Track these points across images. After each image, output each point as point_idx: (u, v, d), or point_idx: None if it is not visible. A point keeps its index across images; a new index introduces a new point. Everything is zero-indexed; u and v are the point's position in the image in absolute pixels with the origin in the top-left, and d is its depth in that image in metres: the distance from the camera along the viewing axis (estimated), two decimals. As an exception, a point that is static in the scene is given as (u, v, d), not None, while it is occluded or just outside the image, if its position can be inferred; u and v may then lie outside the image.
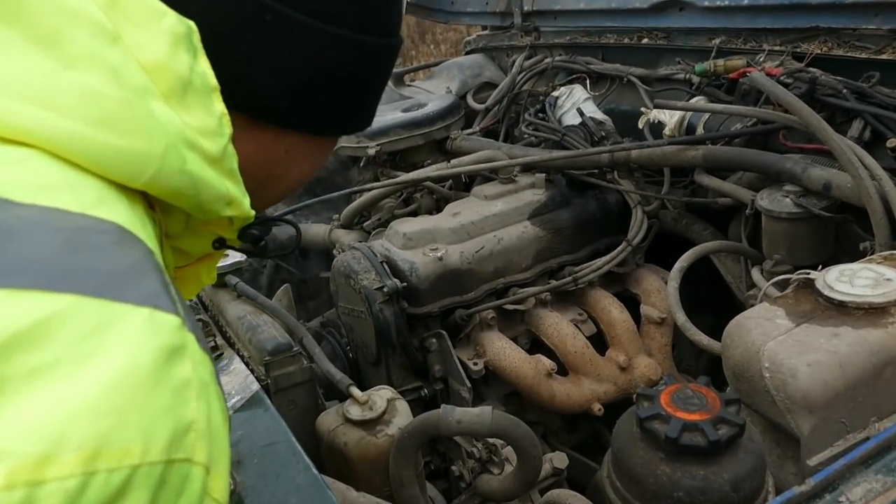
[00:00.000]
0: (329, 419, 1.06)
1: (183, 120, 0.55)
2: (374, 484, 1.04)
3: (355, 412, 1.05)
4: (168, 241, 0.66)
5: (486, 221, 1.54)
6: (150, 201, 0.56)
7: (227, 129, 0.59)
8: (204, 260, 0.76)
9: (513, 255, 1.53)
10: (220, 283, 1.45)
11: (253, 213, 0.64)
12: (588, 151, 1.57)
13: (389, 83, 2.46)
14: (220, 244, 0.72)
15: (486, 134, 2.22)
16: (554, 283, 1.51)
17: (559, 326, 1.49)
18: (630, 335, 1.52)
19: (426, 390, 1.48)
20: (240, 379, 1.16)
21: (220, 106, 0.60)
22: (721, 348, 0.86)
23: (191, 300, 1.40)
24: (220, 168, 0.58)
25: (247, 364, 1.22)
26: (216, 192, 0.58)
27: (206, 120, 0.58)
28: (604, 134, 1.75)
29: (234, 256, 1.46)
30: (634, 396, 0.76)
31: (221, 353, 1.26)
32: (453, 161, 1.65)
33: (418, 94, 2.37)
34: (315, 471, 0.92)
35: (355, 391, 1.07)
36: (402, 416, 1.06)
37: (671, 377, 0.75)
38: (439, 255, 1.45)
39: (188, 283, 0.77)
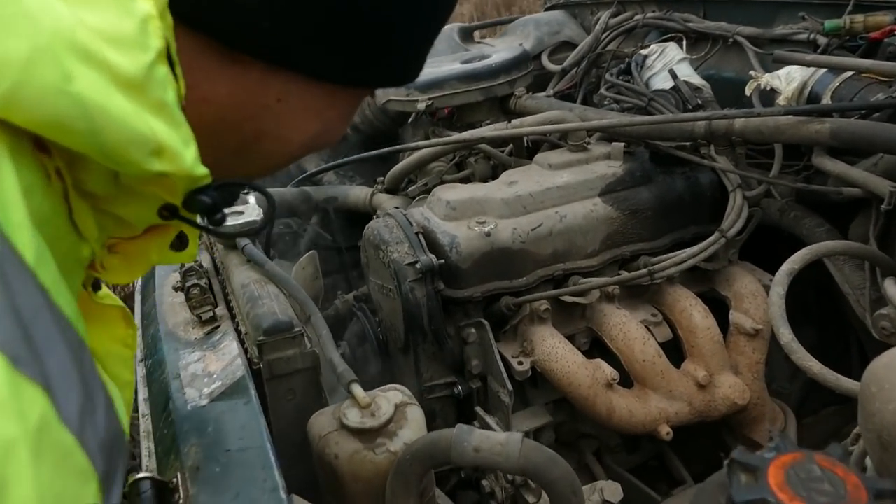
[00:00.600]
0: (322, 421, 0.85)
1: (78, 16, 0.38)
2: (370, 509, 0.82)
3: (353, 417, 0.83)
4: (93, 201, 0.47)
5: (547, 194, 1.28)
6: (40, 141, 0.40)
7: (157, 40, 0.40)
8: (154, 233, 0.56)
9: (577, 236, 1.27)
10: (232, 245, 1.25)
11: (203, 171, 0.44)
12: (680, 117, 1.28)
13: (455, 38, 2.22)
14: (171, 213, 0.51)
15: (561, 99, 1.95)
16: (625, 274, 1.25)
17: (627, 328, 1.23)
18: (714, 346, 1.24)
19: (460, 388, 1.25)
20: (226, 360, 0.96)
21: (144, 5, 0.39)
22: (861, 397, 0.59)
23: (198, 262, 1.21)
24: (139, 97, 0.40)
25: (242, 342, 1.02)
26: (131, 134, 0.40)
27: (120, 22, 0.39)
28: (700, 102, 1.46)
29: (248, 214, 1.26)
30: (726, 464, 0.50)
31: (218, 326, 1.07)
32: (514, 122, 1.39)
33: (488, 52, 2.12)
34: (283, 494, 0.70)
35: (357, 390, 0.85)
36: (413, 427, 0.83)
37: (785, 439, 0.48)
38: (487, 229, 1.21)
39: (134, 262, 0.57)
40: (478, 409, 1.20)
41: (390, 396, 0.86)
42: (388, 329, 1.32)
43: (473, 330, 1.22)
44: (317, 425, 0.85)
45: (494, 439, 0.72)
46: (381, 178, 1.62)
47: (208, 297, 1.10)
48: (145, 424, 0.94)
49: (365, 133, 1.76)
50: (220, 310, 1.12)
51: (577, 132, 1.35)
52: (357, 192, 1.63)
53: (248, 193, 1.51)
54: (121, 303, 0.62)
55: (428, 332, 1.20)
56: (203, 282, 1.13)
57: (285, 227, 1.94)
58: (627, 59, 1.74)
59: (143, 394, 1.03)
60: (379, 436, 0.82)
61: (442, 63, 1.65)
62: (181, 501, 0.72)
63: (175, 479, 0.75)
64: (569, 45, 2.17)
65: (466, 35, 2.24)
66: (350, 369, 0.90)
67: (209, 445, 0.80)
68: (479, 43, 2.27)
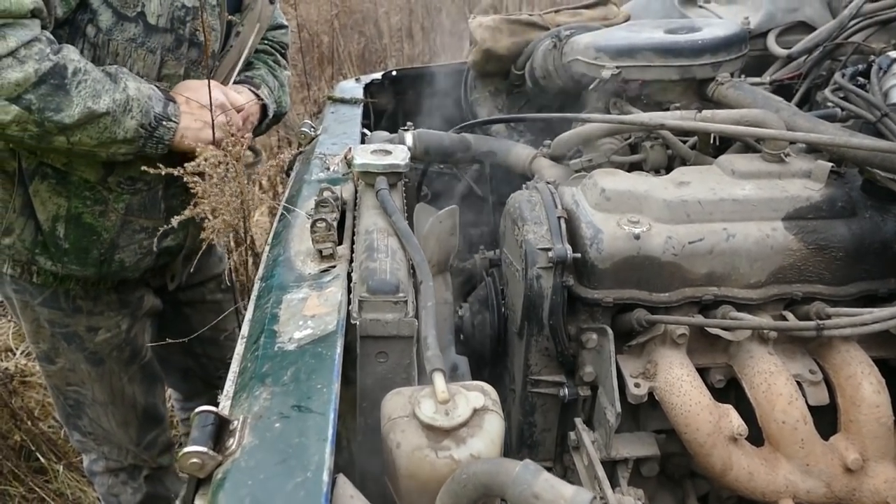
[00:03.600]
0: (395, 403, 0.80)
1: None
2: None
3: (427, 410, 0.77)
4: None
5: (719, 205, 1.11)
6: None
7: None
8: None
9: (741, 261, 1.09)
10: (371, 183, 1.22)
11: None
12: (914, 150, 1.04)
13: (674, 1, 1.98)
14: None
15: (778, 90, 1.68)
16: (790, 320, 1.06)
17: (774, 379, 1.05)
18: (879, 428, 1.04)
19: (567, 390, 1.15)
20: (324, 308, 0.94)
21: None
22: None
23: (336, 193, 1.19)
24: None
25: (349, 291, 0.99)
26: None
27: None
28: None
29: (396, 156, 1.22)
30: None
31: (333, 266, 1.06)
32: (705, 113, 1.21)
33: (707, 19, 1.87)
34: (325, 476, 0.67)
35: (439, 381, 0.79)
36: (485, 439, 0.75)
37: None
38: (637, 231, 1.07)
39: None
40: (578, 421, 1.10)
41: (472, 398, 0.79)
42: (509, 307, 1.25)
43: (595, 336, 1.11)
44: (390, 405, 0.80)
45: (559, 491, 0.63)
46: (548, 142, 1.51)
47: (332, 234, 1.08)
48: (239, 347, 0.96)
49: (545, 88, 1.64)
50: (343, 248, 1.10)
51: (778, 140, 1.14)
52: (518, 152, 1.53)
53: (407, 130, 1.47)
54: None
55: (545, 326, 1.11)
56: (332, 217, 1.12)
57: (446, 168, 1.89)
58: (871, 58, 1.44)
59: (249, 314, 1.04)
60: (447, 437, 0.75)
61: (642, 28, 1.47)
62: (234, 447, 0.71)
63: (236, 423, 0.75)
64: (804, 27, 1.86)
65: (688, -2, 1.99)
66: (440, 355, 0.84)
67: (279, 395, 0.79)
68: (701, 7, 2.01)
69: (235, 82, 1.52)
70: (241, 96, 1.46)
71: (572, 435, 1.13)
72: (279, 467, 0.68)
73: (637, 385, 1.07)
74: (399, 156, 1.21)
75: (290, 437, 0.72)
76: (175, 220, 1.15)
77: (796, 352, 1.12)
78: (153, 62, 1.32)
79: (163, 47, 1.31)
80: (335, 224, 1.10)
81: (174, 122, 1.29)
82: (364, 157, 1.20)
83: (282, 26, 1.74)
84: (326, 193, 1.18)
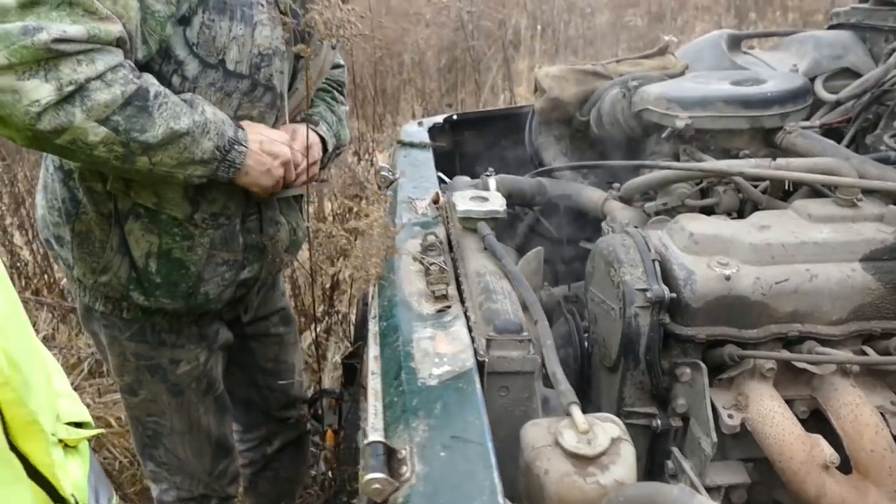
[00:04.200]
0: (537, 433, 0.88)
1: None
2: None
3: (569, 439, 0.85)
4: None
5: (801, 248, 1.20)
6: None
7: None
8: None
9: (824, 300, 1.18)
10: (472, 228, 1.32)
11: None
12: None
13: (723, 46, 2.09)
14: None
15: (827, 132, 1.78)
16: (873, 356, 1.15)
17: (860, 411, 1.13)
18: (959, 456, 1.11)
19: (659, 421, 1.24)
20: (457, 348, 1.02)
21: None
22: None
23: (439, 237, 1.29)
24: None
25: (470, 330, 1.08)
26: None
27: None
28: None
29: (493, 202, 1.32)
30: None
31: (449, 306, 1.15)
32: (780, 161, 1.31)
33: (756, 67, 1.98)
34: (500, 499, 0.75)
35: (577, 413, 0.88)
36: (624, 465, 0.84)
37: None
38: (728, 273, 1.16)
39: None
40: (674, 449, 1.18)
41: (607, 428, 0.87)
42: (598, 343, 1.33)
43: (689, 370, 1.19)
44: (531, 434, 0.89)
45: (715, 512, 0.71)
46: (617, 185, 1.61)
47: (446, 276, 1.18)
48: (374, 382, 1.04)
49: (610, 134, 1.74)
50: (451, 289, 1.20)
51: (849, 187, 1.24)
52: (590, 194, 1.63)
53: (489, 176, 1.57)
54: None
55: (641, 361, 1.19)
56: (442, 260, 1.21)
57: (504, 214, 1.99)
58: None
59: (373, 351, 1.13)
60: (591, 465, 0.84)
61: (709, 78, 1.58)
62: (408, 474, 0.80)
63: (404, 451, 0.83)
64: (850, 73, 1.96)
65: (735, 43, 2.10)
66: (571, 389, 0.93)
67: (436, 427, 0.87)
68: (746, 53, 2.12)
69: (296, 121, 1.61)
70: (306, 135, 1.54)
71: (669, 463, 1.21)
72: (456, 492, 0.76)
73: (731, 416, 1.15)
74: (496, 202, 1.31)
75: (457, 465, 0.80)
76: (331, 270, 1.22)
77: (876, 385, 1.20)
78: (229, 105, 1.39)
79: (239, 91, 1.39)
80: (447, 267, 1.19)
81: (244, 146, 1.35)
82: (465, 203, 1.30)
83: (339, 65, 1.83)
84: (431, 238, 1.28)
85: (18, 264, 3.27)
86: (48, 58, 1.10)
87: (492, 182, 1.52)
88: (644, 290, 1.16)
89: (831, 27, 2.17)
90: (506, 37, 4.20)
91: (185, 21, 1.28)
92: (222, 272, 1.56)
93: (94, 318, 1.61)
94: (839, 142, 1.74)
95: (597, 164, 1.57)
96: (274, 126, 1.50)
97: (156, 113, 1.22)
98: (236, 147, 1.34)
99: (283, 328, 2.01)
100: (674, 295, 1.16)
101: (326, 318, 3.22)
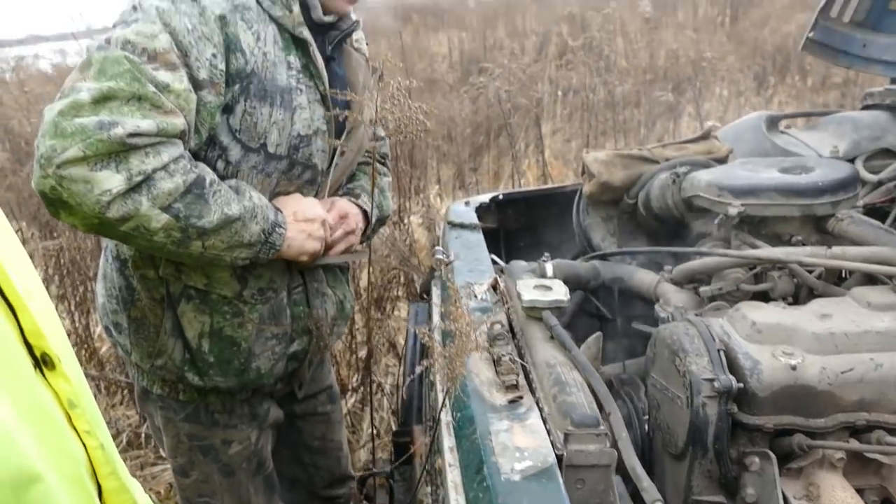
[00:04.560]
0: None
1: None
2: None
3: (658, 538, 0.87)
4: None
5: (864, 337, 1.23)
6: None
7: None
8: None
9: (890, 389, 1.20)
10: (537, 317, 1.36)
11: None
12: None
13: (762, 128, 2.16)
14: None
15: (870, 212, 1.82)
16: (944, 447, 1.15)
17: (933, 502, 1.13)
18: None
19: (728, 510, 1.24)
20: (537, 441, 1.05)
21: None
22: None
23: (505, 327, 1.33)
24: None
25: (544, 421, 1.11)
26: None
27: None
28: None
29: (556, 292, 1.37)
30: None
31: (521, 397, 1.18)
32: (836, 249, 1.34)
33: (795, 147, 2.04)
34: None
35: (663, 512, 0.90)
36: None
37: None
38: (794, 363, 1.19)
39: None
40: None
41: (693, 527, 0.89)
42: (661, 429, 1.35)
43: (758, 459, 1.20)
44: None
45: None
46: (669, 268, 1.65)
47: (516, 366, 1.21)
48: (453, 475, 1.07)
49: (660, 217, 1.80)
50: (521, 378, 1.23)
51: (909, 276, 1.27)
52: (642, 276, 1.67)
53: (546, 262, 1.62)
54: None
55: (710, 450, 1.21)
56: (510, 349, 1.25)
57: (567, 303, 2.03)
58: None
59: (448, 442, 1.16)
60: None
61: (758, 166, 1.63)
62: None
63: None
64: (889, 154, 2.02)
65: (773, 124, 2.17)
66: (653, 485, 0.95)
67: (524, 526, 0.90)
68: (784, 133, 2.19)
69: (337, 195, 1.64)
70: (344, 205, 1.58)
71: (740, 554, 1.21)
72: None
73: (803, 507, 1.16)
74: (560, 291, 1.35)
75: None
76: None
77: (946, 474, 1.20)
78: (268, 184, 1.44)
79: (278, 171, 1.43)
80: (517, 357, 1.23)
81: (283, 229, 1.40)
82: (530, 293, 1.35)
83: (380, 138, 1.84)
84: (498, 328, 1.32)
85: (60, 335, 3.34)
86: (120, 150, 1.16)
87: (549, 268, 1.57)
88: (711, 380, 1.19)
89: (866, 107, 2.23)
90: (535, 108, 4.33)
91: (228, 109, 1.34)
92: (272, 346, 1.58)
93: (151, 400, 1.64)
94: (883, 220, 1.78)
95: (654, 250, 1.62)
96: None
97: (211, 200, 1.27)
98: (277, 230, 1.39)
99: (331, 406, 2.02)
100: (741, 385, 1.19)
101: (362, 387, 3.24)
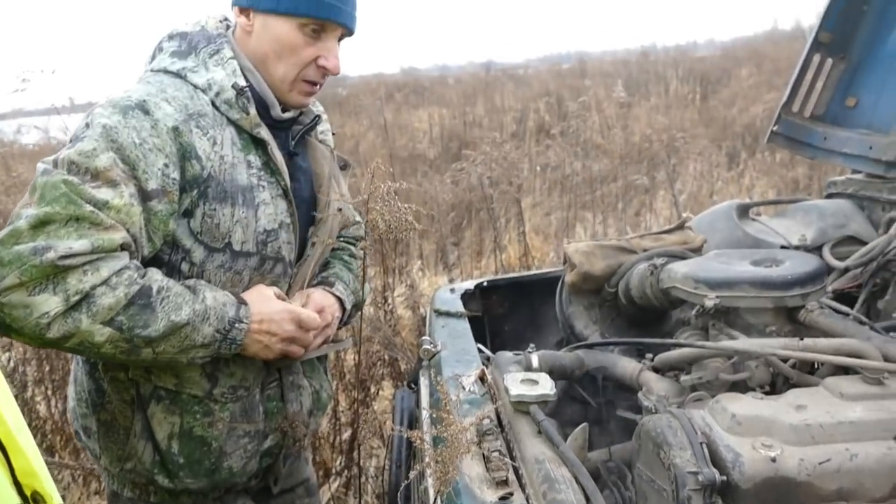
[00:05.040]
0: None
1: None
2: None
3: None
4: None
5: (838, 428, 1.28)
6: None
7: None
8: None
9: (866, 478, 1.24)
10: (524, 410, 1.40)
11: None
12: None
13: (733, 216, 2.27)
14: None
15: (839, 297, 1.91)
16: (921, 536, 1.19)
17: None
18: None
19: None
20: (528, 541, 1.08)
21: None
22: None
23: (494, 421, 1.36)
24: None
25: (534, 519, 1.14)
26: None
27: None
28: None
29: (543, 386, 1.41)
30: None
31: (511, 493, 1.20)
32: (807, 342, 1.41)
33: (766, 235, 2.15)
34: None
35: None
36: None
37: None
38: (773, 455, 1.23)
39: None
40: None
41: None
42: (648, 519, 1.37)
43: (744, 551, 1.23)
44: None
45: None
46: (651, 356, 1.70)
47: (506, 461, 1.24)
48: (446, 576, 1.09)
49: (639, 306, 1.86)
50: (511, 474, 1.26)
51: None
52: (625, 365, 1.72)
53: (532, 353, 1.67)
54: None
55: (697, 542, 1.23)
56: (499, 444, 1.28)
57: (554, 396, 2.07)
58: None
59: (442, 540, 1.18)
60: None
61: (731, 258, 1.72)
62: None
63: None
64: (853, 241, 2.12)
65: (743, 212, 2.28)
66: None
67: None
68: (754, 220, 2.30)
69: (311, 284, 1.65)
70: (319, 299, 1.58)
71: None
72: None
73: None
74: (546, 385, 1.40)
75: None
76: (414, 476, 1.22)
77: (926, 563, 1.24)
78: (240, 282, 1.46)
79: (248, 268, 1.45)
80: (505, 452, 1.26)
81: (245, 323, 1.39)
82: (516, 387, 1.39)
83: (356, 222, 1.85)
84: (487, 422, 1.35)
85: (36, 421, 3.28)
86: (56, 272, 1.20)
87: (535, 359, 1.62)
88: (695, 474, 1.22)
89: (829, 195, 2.36)
90: (517, 192, 4.48)
91: (187, 214, 1.37)
92: (244, 444, 1.56)
93: (122, 503, 1.60)
94: (852, 305, 1.87)
95: (636, 342, 1.68)
96: (287, 292, 1.56)
97: (158, 308, 1.28)
98: (237, 326, 1.38)
99: (308, 499, 1.94)
100: (724, 477, 1.22)
101: (346, 471, 3.20)
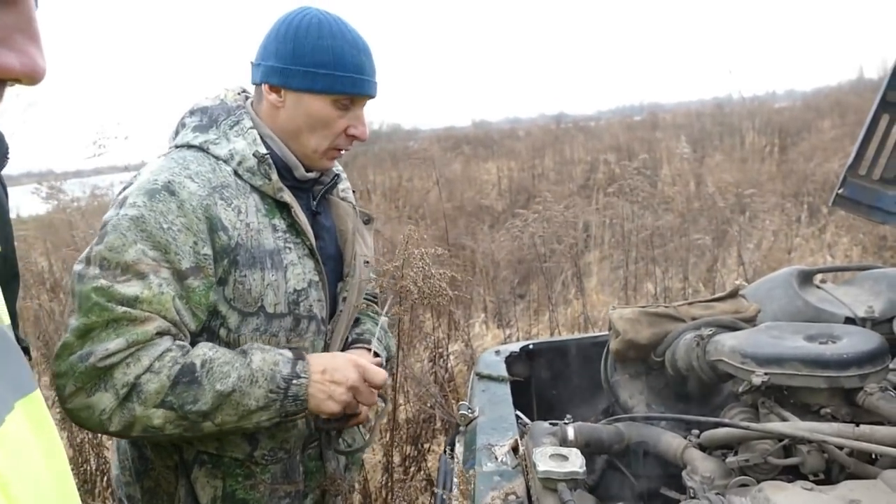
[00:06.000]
0: None
1: None
2: None
3: None
4: None
5: (896, 527, 1.16)
6: None
7: None
8: None
9: (928, 587, 1.12)
10: (552, 488, 1.34)
11: None
12: None
13: (793, 284, 2.15)
14: None
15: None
16: None
17: None
18: None
19: None
20: None
21: None
22: None
23: (516, 494, 1.32)
24: None
25: None
26: None
27: None
28: None
29: (573, 462, 1.35)
30: None
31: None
32: (864, 428, 1.31)
33: (829, 305, 2.02)
34: None
35: None
36: None
37: None
38: (819, 555, 1.13)
39: None
40: None
41: None
42: None
43: None
44: None
45: None
46: (697, 433, 1.61)
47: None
48: None
49: (687, 377, 1.78)
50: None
51: (942, 462, 1.22)
52: (669, 440, 1.63)
53: (568, 424, 1.61)
54: None
55: None
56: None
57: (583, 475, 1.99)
58: None
59: None
60: None
61: (783, 332, 1.62)
62: None
63: None
64: (927, 314, 1.97)
65: (806, 279, 2.16)
66: None
67: None
68: (818, 287, 2.17)
69: (348, 342, 1.67)
70: (365, 364, 1.54)
71: None
72: None
73: None
74: (576, 462, 1.34)
75: None
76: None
77: None
78: (276, 344, 1.47)
79: (283, 329, 1.48)
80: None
81: (304, 378, 1.39)
82: (545, 463, 1.34)
83: (371, 279, 1.84)
84: (512, 498, 1.30)
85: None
86: (102, 373, 1.29)
87: (570, 431, 1.56)
88: (732, 570, 1.14)
89: (903, 262, 2.21)
90: (570, 252, 4.41)
91: (221, 282, 1.42)
92: None
93: None
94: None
95: (676, 418, 1.59)
96: (325, 350, 1.57)
97: (204, 381, 1.33)
98: (294, 382, 1.38)
99: None
100: (764, 576, 1.13)
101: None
